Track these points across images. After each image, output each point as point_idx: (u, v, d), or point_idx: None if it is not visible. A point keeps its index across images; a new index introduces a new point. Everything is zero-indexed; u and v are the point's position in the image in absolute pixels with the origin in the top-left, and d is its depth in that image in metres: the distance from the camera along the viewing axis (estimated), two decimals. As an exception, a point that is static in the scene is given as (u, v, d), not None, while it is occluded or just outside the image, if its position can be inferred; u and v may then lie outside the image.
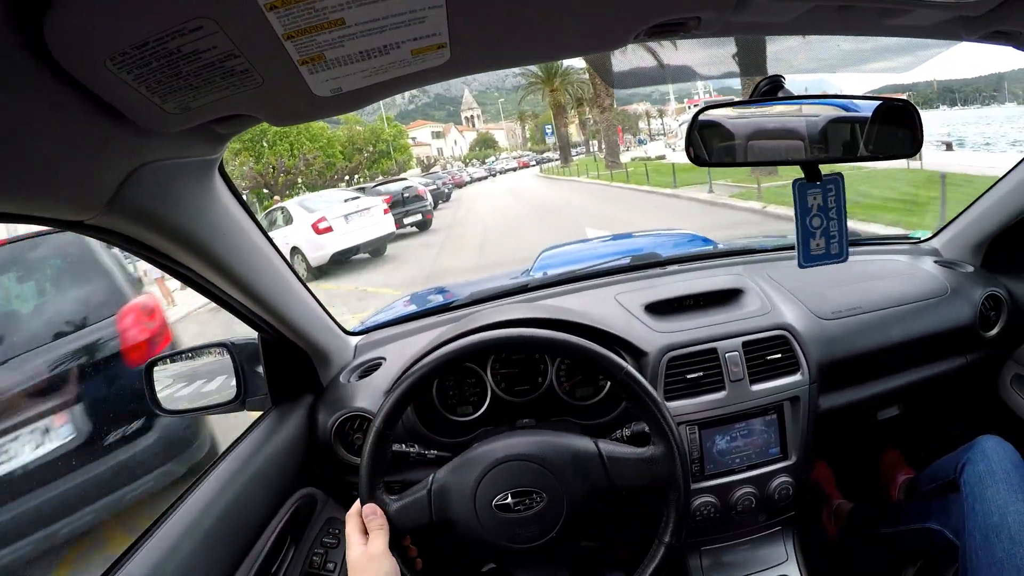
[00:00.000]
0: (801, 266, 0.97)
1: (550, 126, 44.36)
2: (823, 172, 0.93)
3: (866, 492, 1.73)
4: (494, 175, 44.93)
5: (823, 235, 0.95)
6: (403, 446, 1.09)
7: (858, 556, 1.57)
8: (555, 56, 0.71)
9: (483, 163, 64.07)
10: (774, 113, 0.93)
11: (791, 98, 0.89)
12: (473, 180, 38.97)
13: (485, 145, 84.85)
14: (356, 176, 33.11)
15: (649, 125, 62.91)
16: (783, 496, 1.28)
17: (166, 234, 0.79)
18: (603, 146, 30.28)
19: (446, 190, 23.04)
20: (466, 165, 61.77)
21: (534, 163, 54.37)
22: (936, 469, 1.32)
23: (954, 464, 1.21)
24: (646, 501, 1.02)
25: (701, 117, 0.91)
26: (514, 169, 50.54)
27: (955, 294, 1.50)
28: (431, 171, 43.05)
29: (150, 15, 0.45)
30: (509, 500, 0.89)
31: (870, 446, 1.80)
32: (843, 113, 0.94)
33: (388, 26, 0.52)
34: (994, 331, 1.52)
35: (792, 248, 1.77)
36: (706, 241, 2.49)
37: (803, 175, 0.93)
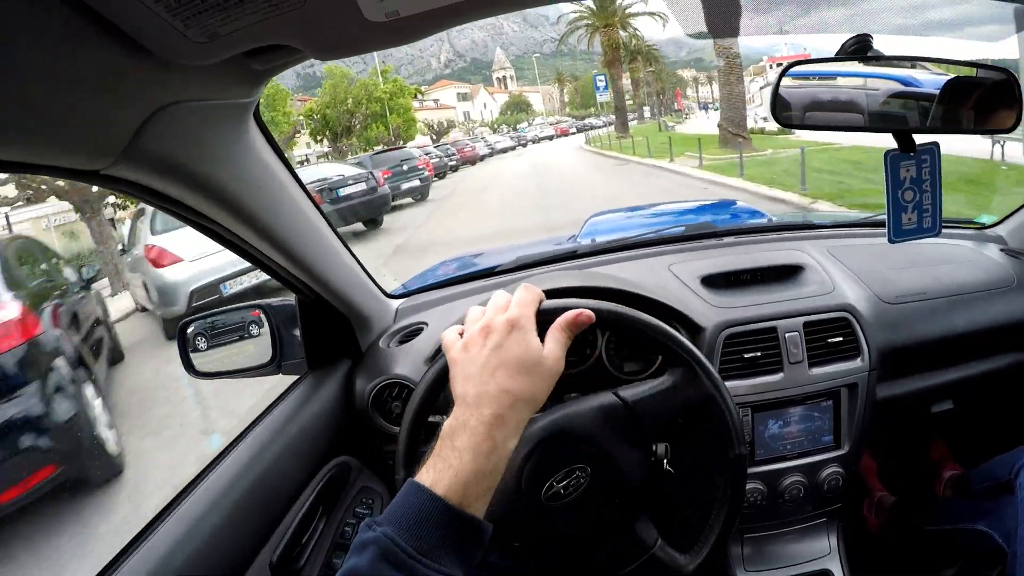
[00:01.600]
0: (891, 241, 0.89)
1: (603, 76, 31.81)
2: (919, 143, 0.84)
3: (909, 486, 1.63)
4: (523, 145, 36.54)
5: (915, 209, 0.86)
6: (442, 417, 1.01)
7: (899, 551, 1.49)
8: None
9: (514, 129, 53.63)
10: (864, 75, 0.83)
11: (881, 58, 0.81)
12: (494, 152, 29.82)
13: (517, 108, 74.35)
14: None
15: (697, 92, 57.46)
16: (832, 487, 1.21)
17: (192, 185, 0.70)
18: (715, 108, 23.15)
19: (435, 177, 16.81)
20: (494, 131, 53.71)
21: (574, 131, 44.60)
22: (989, 469, 1.24)
23: (1010, 465, 1.13)
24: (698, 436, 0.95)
25: (787, 76, 0.83)
26: (550, 138, 42.34)
27: (1022, 285, 1.38)
28: (443, 142, 31.78)
29: None
30: (560, 486, 0.80)
31: (917, 439, 1.69)
32: (937, 78, 0.84)
33: None
34: None
35: (855, 225, 1.68)
36: (759, 213, 2.35)
37: (895, 145, 0.84)
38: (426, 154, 17.35)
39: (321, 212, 1.03)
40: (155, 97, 0.56)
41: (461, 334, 0.67)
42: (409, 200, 12.67)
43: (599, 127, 46.36)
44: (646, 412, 0.83)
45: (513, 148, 34.88)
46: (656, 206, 2.83)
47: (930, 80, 0.85)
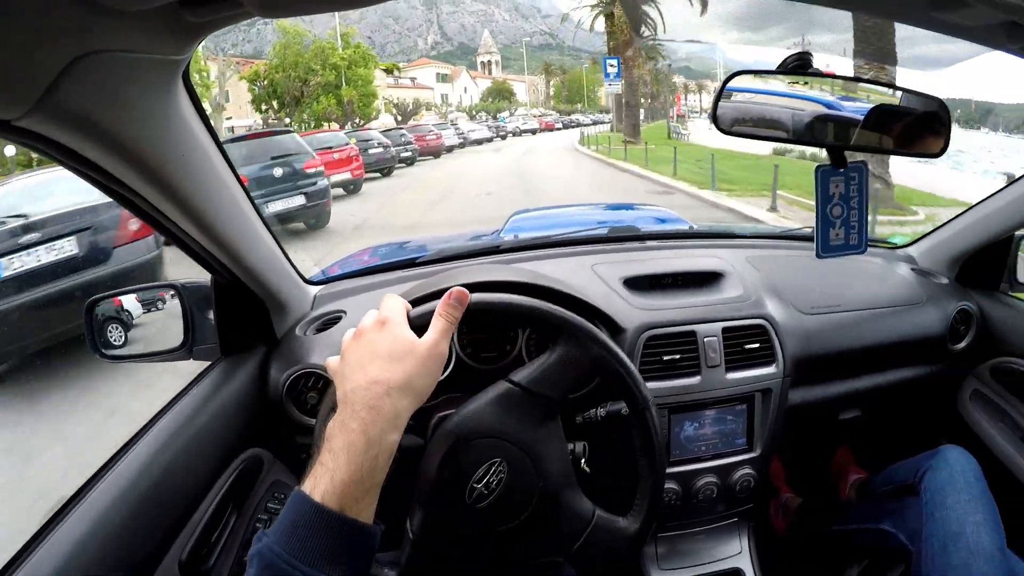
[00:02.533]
0: (819, 256, 0.92)
1: (615, 60, 23.69)
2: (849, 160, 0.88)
3: (815, 489, 1.71)
4: (503, 137, 33.46)
5: (843, 225, 0.89)
6: None
7: (805, 551, 1.55)
8: None
9: (493, 118, 48.80)
10: (804, 90, 0.86)
11: (821, 75, 0.83)
12: (466, 143, 24.92)
13: (499, 96, 68.82)
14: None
15: (687, 100, 55.58)
16: (744, 488, 1.25)
17: (110, 145, 0.64)
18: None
19: (376, 174, 13.28)
20: (472, 117, 49.46)
21: (560, 126, 42.56)
22: (894, 472, 1.30)
23: (915, 469, 1.20)
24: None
25: (729, 86, 0.85)
26: (533, 131, 38.62)
27: (930, 303, 1.48)
28: (414, 123, 30.42)
29: None
30: (480, 486, 0.75)
31: (824, 444, 1.78)
32: (871, 99, 0.87)
33: None
34: (961, 345, 1.50)
35: (773, 237, 1.76)
36: (680, 220, 2.40)
37: (828, 160, 0.87)
38: (364, 140, 12.94)
39: (245, 190, 0.97)
40: (77, 43, 0.50)
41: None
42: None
43: (587, 124, 43.96)
44: (543, 390, 0.80)
45: (490, 140, 30.85)
46: (579, 206, 2.86)
47: (854, 107, 0.87)
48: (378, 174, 13.67)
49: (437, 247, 1.59)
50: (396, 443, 0.60)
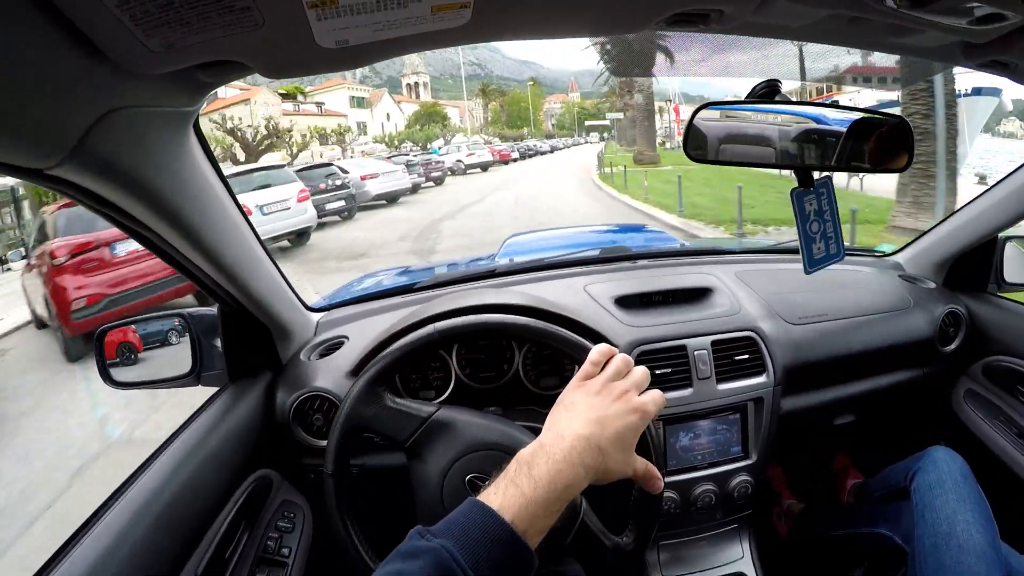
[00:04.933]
0: (807, 272, 1.04)
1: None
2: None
3: (816, 494, 1.85)
4: (437, 179, 21.82)
5: (822, 238, 1.03)
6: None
7: (807, 556, 1.67)
8: (573, 33, 0.71)
9: (423, 149, 41.40)
10: (772, 117, 1.00)
11: (789, 102, 0.96)
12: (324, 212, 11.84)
13: (430, 120, 61.76)
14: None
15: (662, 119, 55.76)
16: (742, 494, 1.37)
17: (132, 190, 0.75)
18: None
19: None
20: (394, 147, 44.07)
21: (516, 155, 36.20)
22: (887, 476, 1.43)
23: (905, 472, 1.32)
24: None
25: (700, 115, 0.97)
26: (484, 167, 28.93)
27: (917, 308, 1.63)
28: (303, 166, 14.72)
29: None
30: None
31: (822, 450, 1.92)
32: (836, 122, 1.01)
33: None
34: (952, 346, 1.65)
35: (761, 252, 1.91)
36: (672, 240, 2.64)
37: (797, 183, 1.01)
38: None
39: (250, 224, 1.10)
40: (106, 101, 0.61)
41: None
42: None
43: (544, 151, 41.96)
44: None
45: (393, 198, 16.22)
46: (572, 228, 3.09)
47: (839, 119, 1.01)
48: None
49: (435, 272, 1.76)
50: (571, 499, 0.67)
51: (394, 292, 1.63)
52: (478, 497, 0.63)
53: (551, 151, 44.80)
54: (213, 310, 1.22)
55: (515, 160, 35.60)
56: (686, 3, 0.64)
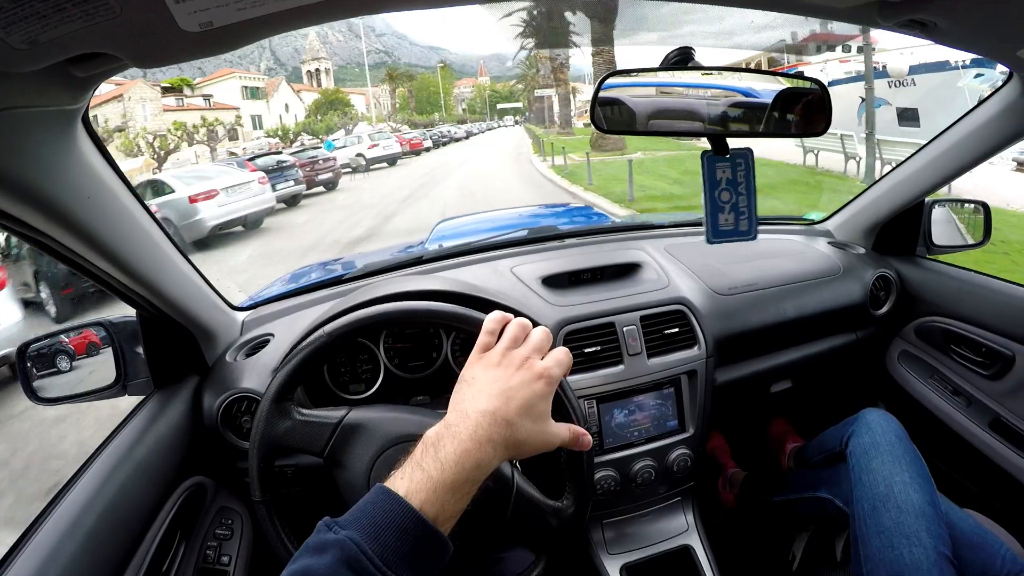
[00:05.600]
0: (709, 241, 1.04)
1: None
2: (733, 147, 1.01)
3: (759, 462, 1.93)
4: (327, 181, 16.36)
5: (732, 210, 1.03)
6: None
7: (753, 523, 1.74)
8: (449, 2, 0.71)
9: (321, 138, 34.96)
10: (683, 84, 1.00)
11: (702, 68, 0.97)
12: None
13: (331, 107, 55.06)
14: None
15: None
16: (682, 468, 1.41)
17: (18, 196, 0.74)
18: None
19: None
20: (288, 140, 38.83)
21: (429, 144, 31.14)
22: (823, 440, 1.49)
23: (840, 436, 1.37)
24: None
25: (606, 83, 0.97)
26: (392, 161, 23.61)
27: (847, 273, 1.70)
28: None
29: None
30: None
31: (763, 417, 2.00)
32: (753, 88, 1.02)
33: None
34: (883, 310, 1.74)
35: (690, 225, 1.93)
36: (602, 216, 2.69)
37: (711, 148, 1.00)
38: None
39: (158, 223, 1.08)
40: None
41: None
42: None
43: (460, 137, 39.82)
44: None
45: (254, 222, 11.02)
46: (502, 210, 3.13)
47: (735, 96, 1.02)
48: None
49: (363, 262, 1.78)
50: (484, 478, 0.66)
51: (321, 285, 1.63)
52: (385, 483, 0.62)
53: (467, 137, 42.10)
54: (133, 316, 1.20)
55: (428, 149, 30.90)
56: None
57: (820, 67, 19.25)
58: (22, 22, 0.51)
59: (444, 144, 35.84)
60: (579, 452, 0.93)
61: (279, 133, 44.22)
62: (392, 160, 24.01)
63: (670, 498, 1.49)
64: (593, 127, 0.99)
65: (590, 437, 0.78)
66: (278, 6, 0.58)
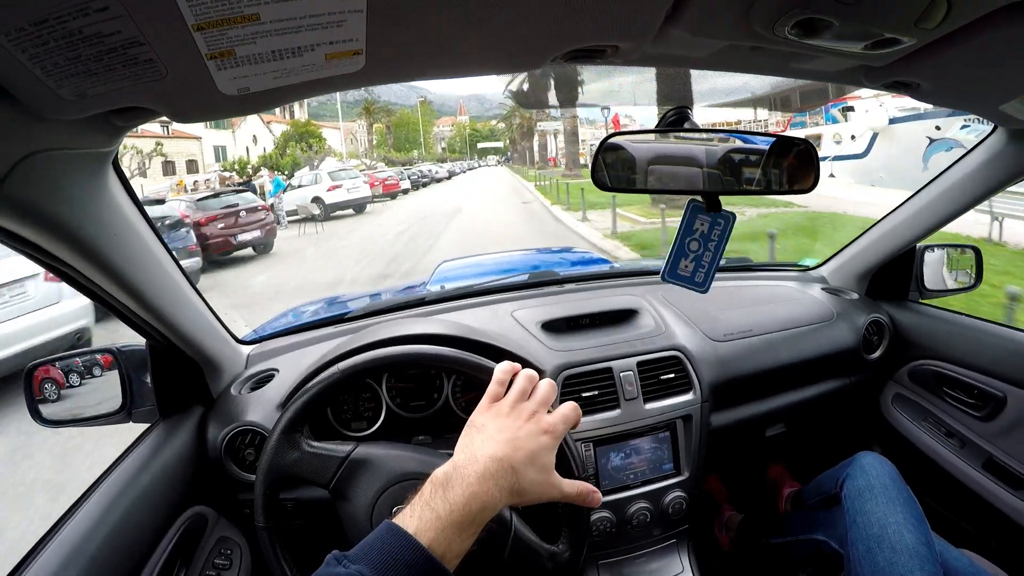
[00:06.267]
0: (663, 279, 1.10)
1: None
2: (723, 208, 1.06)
3: (756, 504, 1.98)
4: (261, 248, 11.98)
5: (695, 260, 1.09)
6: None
7: (749, 565, 1.78)
8: (471, 73, 0.76)
9: (289, 176, 27.25)
10: (678, 143, 1.08)
11: (697, 130, 1.04)
12: None
13: (302, 139, 50.01)
14: None
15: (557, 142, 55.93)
16: (677, 510, 1.45)
17: (52, 231, 0.80)
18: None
19: None
20: (248, 176, 34.56)
21: (408, 182, 29.87)
22: (819, 483, 1.53)
23: (835, 479, 1.41)
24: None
25: (607, 143, 1.03)
26: (360, 207, 19.65)
27: (840, 319, 1.78)
28: None
29: None
30: None
31: (758, 461, 2.06)
32: (745, 146, 1.10)
33: (304, 27, 0.55)
34: (876, 354, 1.81)
35: None
36: (602, 261, 2.77)
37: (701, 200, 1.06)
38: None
39: (174, 258, 1.15)
40: (23, 146, 0.66)
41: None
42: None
43: (441, 177, 38.58)
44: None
45: None
46: (504, 253, 3.20)
47: (729, 155, 1.10)
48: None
49: (365, 302, 1.86)
50: (488, 520, 0.70)
51: (324, 323, 1.71)
52: (394, 520, 0.66)
53: (449, 177, 42.38)
54: (142, 345, 1.24)
55: (406, 191, 27.75)
56: (579, 40, 0.70)
57: (878, 102, 18.60)
58: (74, 77, 0.56)
59: (424, 185, 34.31)
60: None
61: (236, 167, 41.36)
62: (360, 207, 19.56)
63: (665, 540, 1.54)
64: (594, 183, 1.06)
65: (600, 495, 0.83)
66: (309, 76, 0.65)
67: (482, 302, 1.76)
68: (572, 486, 0.79)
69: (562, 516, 1.00)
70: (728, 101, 1.23)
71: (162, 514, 1.13)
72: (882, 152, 18.10)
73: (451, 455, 0.77)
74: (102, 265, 0.93)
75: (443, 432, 1.36)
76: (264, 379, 1.41)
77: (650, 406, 1.46)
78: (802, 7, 0.63)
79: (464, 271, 2.80)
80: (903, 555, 1.17)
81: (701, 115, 1.07)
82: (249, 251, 11.83)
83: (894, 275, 1.90)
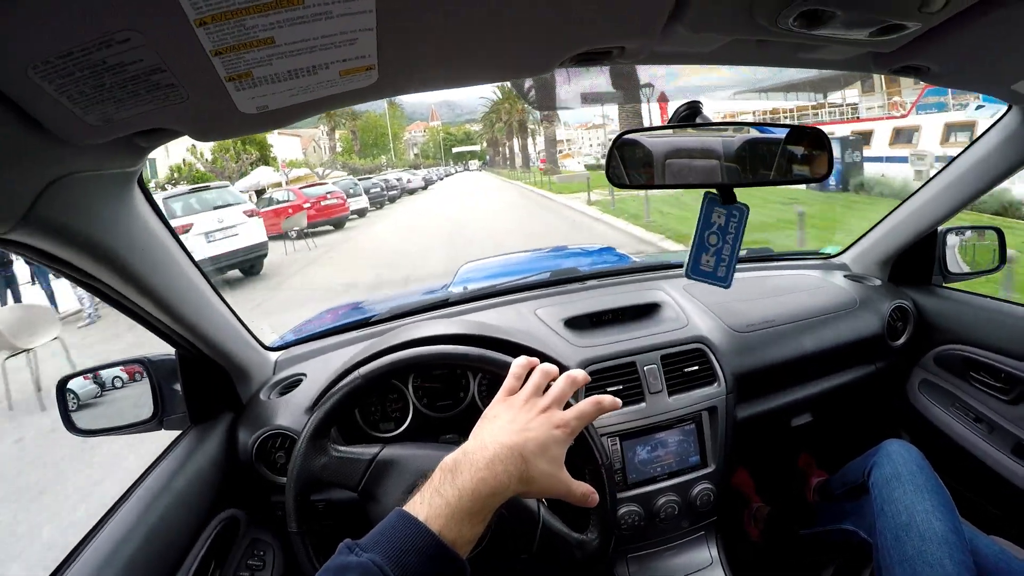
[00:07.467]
0: (687, 275, 1.15)
1: None
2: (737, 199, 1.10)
3: (784, 495, 2.02)
4: None
5: (715, 255, 1.15)
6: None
7: (779, 557, 1.83)
8: (481, 80, 0.81)
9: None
10: (691, 137, 1.13)
11: (709, 124, 1.10)
12: None
13: (244, 151, 41.17)
14: None
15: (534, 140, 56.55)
16: (704, 502, 1.50)
17: (83, 248, 0.87)
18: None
19: None
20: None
21: (365, 202, 22.78)
22: (846, 472, 1.57)
23: (862, 468, 1.46)
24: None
25: (622, 139, 1.08)
26: (244, 267, 11.13)
27: (864, 306, 1.83)
28: None
29: (76, 24, 0.50)
30: None
31: (785, 451, 2.11)
32: (758, 135, 1.16)
33: (318, 47, 0.59)
34: (901, 340, 1.86)
35: None
36: (623, 257, 2.86)
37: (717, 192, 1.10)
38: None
39: (200, 269, 1.22)
40: (52, 170, 0.71)
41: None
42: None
43: (416, 187, 34.84)
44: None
45: None
46: (525, 252, 3.22)
47: (742, 147, 1.15)
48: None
49: (389, 305, 1.94)
50: (498, 506, 0.73)
51: (350, 327, 1.79)
52: (405, 508, 0.70)
53: (425, 186, 39.26)
54: (172, 356, 1.33)
55: (363, 213, 21.41)
56: (585, 43, 0.75)
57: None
58: (99, 104, 0.61)
59: (392, 200, 27.69)
60: (602, 486, 1.06)
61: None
62: (249, 263, 11.88)
63: (694, 532, 1.60)
64: (609, 181, 1.11)
65: (597, 496, 0.87)
66: (325, 92, 0.70)
67: (505, 301, 1.85)
68: (579, 486, 0.83)
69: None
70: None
71: (196, 517, 1.21)
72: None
73: None
74: (132, 280, 1.01)
75: (470, 431, 1.42)
76: (292, 384, 1.49)
77: (675, 399, 1.53)
78: (803, -2, 0.61)
79: (486, 271, 2.91)
80: (932, 543, 1.20)
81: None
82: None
83: (916, 260, 1.94)
